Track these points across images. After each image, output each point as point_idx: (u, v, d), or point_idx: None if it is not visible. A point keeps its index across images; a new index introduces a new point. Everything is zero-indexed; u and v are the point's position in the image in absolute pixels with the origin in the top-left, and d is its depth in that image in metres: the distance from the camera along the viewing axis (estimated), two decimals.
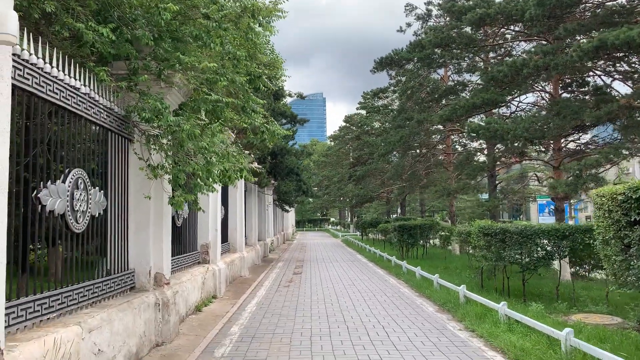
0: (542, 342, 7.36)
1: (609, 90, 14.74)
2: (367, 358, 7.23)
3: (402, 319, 10.02)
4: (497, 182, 22.41)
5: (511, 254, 12.02)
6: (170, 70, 7.60)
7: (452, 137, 26.51)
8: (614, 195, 6.22)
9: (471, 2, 17.79)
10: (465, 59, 22.64)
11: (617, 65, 16.40)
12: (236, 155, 8.10)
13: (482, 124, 13.22)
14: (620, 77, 16.96)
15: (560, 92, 17.45)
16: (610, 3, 12.47)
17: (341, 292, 13.48)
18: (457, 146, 28.31)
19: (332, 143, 67.42)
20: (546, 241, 11.83)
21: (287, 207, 34.50)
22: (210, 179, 7.70)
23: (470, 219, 60.58)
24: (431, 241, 27.35)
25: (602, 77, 17.50)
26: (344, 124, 54.45)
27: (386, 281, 16.01)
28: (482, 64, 25.31)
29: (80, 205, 5.94)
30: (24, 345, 4.37)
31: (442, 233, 26.92)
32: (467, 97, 25.15)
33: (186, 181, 7.63)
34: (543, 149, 20.55)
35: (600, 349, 6.26)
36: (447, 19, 26.69)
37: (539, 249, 11.60)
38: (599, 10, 12.17)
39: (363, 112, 47.13)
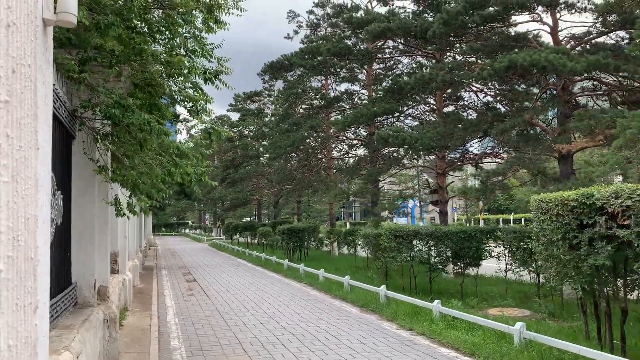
0: (491, 337, 8.00)
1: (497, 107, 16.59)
2: None
3: (335, 322, 10.16)
4: (380, 186, 23.80)
5: (422, 255, 12.87)
6: (125, 64, 6.92)
7: (332, 144, 27.44)
8: (565, 201, 7.05)
9: (363, 15, 18.69)
10: (353, 69, 23.67)
11: (490, 84, 18.34)
12: (201, 157, 7.62)
13: (391, 132, 14.01)
14: (492, 94, 19.06)
15: (443, 106, 19.10)
16: (503, 29, 14.03)
17: (256, 299, 13.23)
18: (334, 152, 29.33)
19: (191, 144, 65.35)
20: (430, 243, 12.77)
21: (155, 211, 32.77)
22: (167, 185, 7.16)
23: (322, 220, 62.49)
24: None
25: (478, 93, 19.54)
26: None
27: (289, 285, 16.04)
28: (361, 75, 26.60)
29: (51, 213, 5.15)
30: None
31: (321, 235, 27.70)
32: (348, 107, 26.27)
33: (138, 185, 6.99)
34: (416, 158, 22.31)
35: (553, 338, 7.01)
36: (329, 30, 27.63)
37: (448, 249, 12.54)
38: (495, 36, 13.66)
39: (232, 114, 46.56)
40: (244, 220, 57.23)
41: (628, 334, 7.24)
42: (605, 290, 7.35)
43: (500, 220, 57.43)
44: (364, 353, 7.75)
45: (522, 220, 54.23)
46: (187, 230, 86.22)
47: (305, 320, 10.28)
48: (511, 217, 55.44)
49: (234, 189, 37.51)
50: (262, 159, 37.48)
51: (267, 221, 44.37)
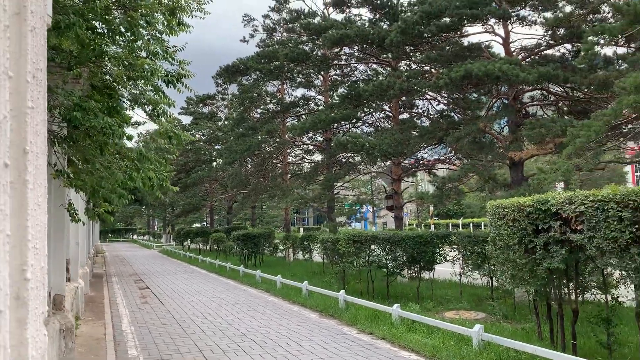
0: (450, 339, 8.19)
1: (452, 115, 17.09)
2: None
3: (296, 327, 10.15)
4: (335, 192, 23.99)
5: (379, 259, 13.04)
6: (84, 65, 6.73)
7: (288, 149, 27.45)
8: (522, 207, 7.33)
9: (320, 21, 18.86)
10: (310, 74, 23.78)
11: (444, 93, 18.84)
12: (164, 162, 7.46)
13: (349, 138, 14.16)
14: (445, 102, 19.58)
15: (398, 113, 19.49)
16: (457, 39, 14.51)
17: (213, 306, 13.03)
18: (289, 158, 29.34)
19: (141, 147, 63.79)
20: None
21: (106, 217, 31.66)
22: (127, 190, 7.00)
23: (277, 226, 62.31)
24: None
25: (431, 101, 20.05)
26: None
27: (246, 291, 15.90)
28: (317, 81, 26.75)
29: None
30: None
31: (275, 241, 27.61)
32: (304, 112, 26.39)
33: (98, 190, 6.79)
34: (371, 164, 22.61)
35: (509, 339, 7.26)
36: (285, 35, 27.67)
37: (405, 253, 12.75)
38: (449, 46, 14.10)
39: (184, 118, 45.74)
40: (194, 226, 56.17)
41: (577, 334, 7.57)
42: (557, 293, 7.68)
43: (450, 225, 58.82)
44: (326, 358, 7.78)
45: (470, 224, 55.86)
46: (135, 237, 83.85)
47: (265, 327, 10.22)
48: (460, 221, 56.88)
49: (186, 194, 36.82)
50: (215, 163, 36.95)
51: (219, 227, 43.76)
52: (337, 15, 23.09)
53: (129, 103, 7.73)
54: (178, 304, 13.36)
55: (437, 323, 8.70)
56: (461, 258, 12.67)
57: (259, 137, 22.69)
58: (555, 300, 7.77)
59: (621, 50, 12.81)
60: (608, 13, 12.44)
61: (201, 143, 36.86)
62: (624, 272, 6.47)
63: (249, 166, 28.30)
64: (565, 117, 12.70)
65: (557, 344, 7.74)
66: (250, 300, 13.83)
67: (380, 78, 17.80)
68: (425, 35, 13.39)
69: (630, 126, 11.91)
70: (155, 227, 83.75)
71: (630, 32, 9.01)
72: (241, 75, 23.55)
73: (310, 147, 27.32)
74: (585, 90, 13.03)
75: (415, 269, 13.42)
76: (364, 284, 13.86)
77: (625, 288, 6.85)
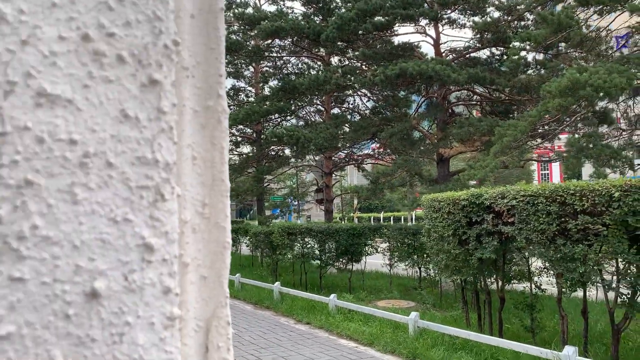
0: (386, 327, 8.52)
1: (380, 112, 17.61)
2: (244, 356, 7.27)
3: (232, 319, 10.08)
4: (265, 184, 23.96)
5: (313, 251, 13.25)
6: None
7: None
8: (457, 200, 7.74)
9: (254, 12, 18.74)
10: (240, 65, 23.51)
11: (375, 90, 19.35)
12: None
13: (284, 131, 14.20)
14: (375, 99, 20.11)
15: (330, 108, 19.78)
16: (390, 38, 14.98)
17: None
18: None
19: None
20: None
21: None
22: None
23: None
24: None
25: (362, 97, 20.50)
26: None
27: None
28: (247, 72, 26.51)
29: None
30: None
31: None
32: (233, 103, 26.11)
33: None
34: (302, 157, 22.80)
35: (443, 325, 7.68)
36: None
37: (340, 246, 13.02)
38: (382, 44, 14.53)
39: None
40: None
41: (504, 320, 8.12)
42: (486, 281, 8.21)
43: (372, 218, 60.31)
44: (268, 348, 7.85)
45: (391, 218, 57.60)
46: None
47: None
48: (381, 215, 58.48)
49: None
50: None
51: None
52: (269, 7, 23.01)
53: None
54: None
55: (373, 311, 9.01)
56: (389, 250, 13.12)
57: None
58: (484, 288, 8.30)
59: (540, 56, 13.79)
60: (531, 21, 13.36)
61: None
62: (547, 262, 7.03)
63: None
64: (488, 116, 13.48)
65: (484, 329, 8.27)
66: None
67: (313, 72, 17.99)
68: (360, 32, 13.70)
69: (546, 127, 12.85)
70: None
71: (553, 39, 9.77)
72: None
73: (239, 139, 27.08)
74: (507, 92, 13.90)
75: (345, 262, 13.78)
76: (297, 276, 14.02)
77: (547, 277, 7.45)
